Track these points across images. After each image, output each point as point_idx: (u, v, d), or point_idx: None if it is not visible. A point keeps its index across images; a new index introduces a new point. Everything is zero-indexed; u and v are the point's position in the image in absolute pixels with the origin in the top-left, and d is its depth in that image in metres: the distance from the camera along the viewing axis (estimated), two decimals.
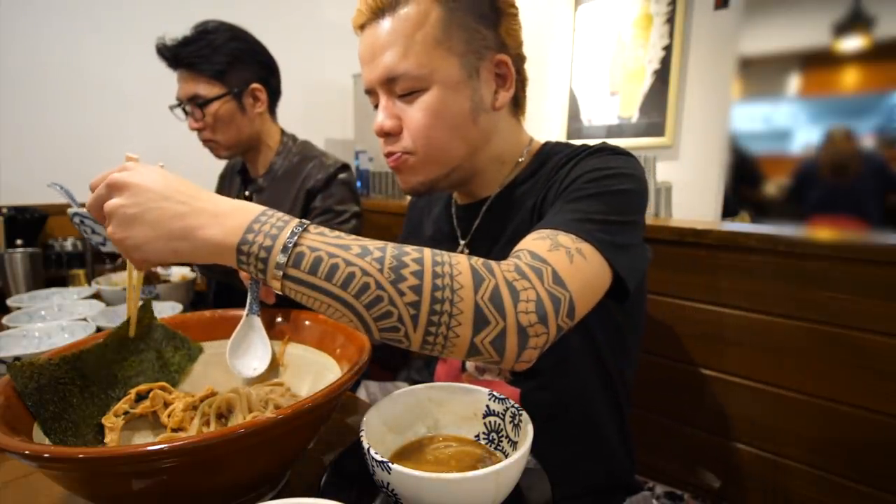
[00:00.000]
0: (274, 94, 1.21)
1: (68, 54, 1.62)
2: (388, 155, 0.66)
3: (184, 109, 1.13)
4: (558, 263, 0.48)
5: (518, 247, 0.52)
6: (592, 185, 0.57)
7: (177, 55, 1.08)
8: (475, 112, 0.64)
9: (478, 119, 0.65)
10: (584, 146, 0.68)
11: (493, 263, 0.45)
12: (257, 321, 0.61)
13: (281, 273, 0.41)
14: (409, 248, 0.43)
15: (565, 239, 0.51)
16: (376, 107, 0.66)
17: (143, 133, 1.75)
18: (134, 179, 0.43)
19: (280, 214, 0.43)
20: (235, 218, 0.42)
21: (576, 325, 0.50)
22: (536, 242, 0.51)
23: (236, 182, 1.31)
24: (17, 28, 1.54)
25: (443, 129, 0.63)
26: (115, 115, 1.70)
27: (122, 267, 1.52)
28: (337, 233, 0.43)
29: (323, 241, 0.42)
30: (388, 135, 0.65)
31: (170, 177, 0.44)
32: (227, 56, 1.09)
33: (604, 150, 0.63)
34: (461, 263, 0.43)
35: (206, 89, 1.09)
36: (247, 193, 1.25)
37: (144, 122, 1.74)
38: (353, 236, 0.43)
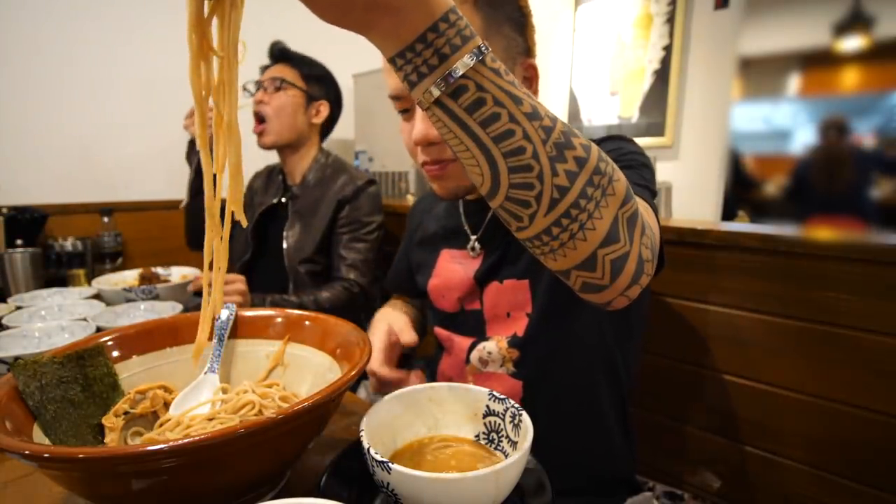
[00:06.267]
0: (332, 119, 1.41)
1: (68, 54, 1.62)
2: (434, 163, 0.65)
3: (258, 85, 1.31)
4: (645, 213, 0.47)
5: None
6: (625, 158, 0.62)
7: (285, 52, 1.34)
8: None
9: None
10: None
11: (630, 188, 0.43)
12: (215, 379, 0.55)
13: (432, 97, 0.36)
14: (579, 133, 0.39)
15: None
16: (402, 111, 0.66)
17: (143, 133, 1.75)
18: None
19: (468, 23, 0.36)
20: None
21: (583, 310, 0.49)
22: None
23: (277, 181, 1.43)
24: (17, 28, 1.54)
25: None
26: (115, 115, 1.70)
27: (123, 267, 1.53)
28: (513, 77, 0.37)
29: (495, 81, 0.36)
30: (431, 143, 0.64)
31: None
32: (319, 70, 1.37)
33: (614, 137, 0.68)
34: (621, 181, 0.41)
35: (292, 77, 1.31)
36: (283, 200, 1.37)
37: (144, 121, 1.74)
38: (526, 90, 0.38)
